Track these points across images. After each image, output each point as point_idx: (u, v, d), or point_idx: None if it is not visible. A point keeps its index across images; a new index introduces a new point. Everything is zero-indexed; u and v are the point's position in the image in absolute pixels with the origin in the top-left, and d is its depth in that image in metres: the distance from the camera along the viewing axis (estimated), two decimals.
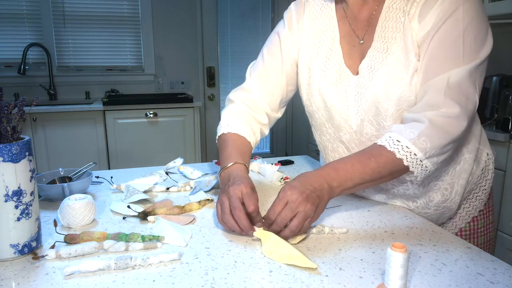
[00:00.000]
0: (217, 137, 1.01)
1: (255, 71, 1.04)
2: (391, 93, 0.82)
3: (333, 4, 0.94)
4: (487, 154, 0.96)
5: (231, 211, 0.76)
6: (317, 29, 0.95)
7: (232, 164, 0.88)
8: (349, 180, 0.76)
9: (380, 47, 0.84)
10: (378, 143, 0.79)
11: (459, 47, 0.76)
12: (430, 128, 0.75)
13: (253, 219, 0.76)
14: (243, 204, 0.76)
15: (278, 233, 0.74)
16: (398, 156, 0.76)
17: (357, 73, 0.88)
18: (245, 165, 0.90)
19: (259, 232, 0.73)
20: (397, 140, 0.76)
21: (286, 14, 1.01)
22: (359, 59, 0.89)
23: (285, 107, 1.09)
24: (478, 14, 0.76)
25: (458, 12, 0.75)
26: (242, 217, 0.75)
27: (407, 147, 0.75)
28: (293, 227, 0.72)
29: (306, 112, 1.04)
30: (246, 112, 1.02)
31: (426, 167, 0.77)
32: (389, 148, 0.76)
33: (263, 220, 0.77)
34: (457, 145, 0.80)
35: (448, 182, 0.90)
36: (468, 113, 0.77)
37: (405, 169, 0.77)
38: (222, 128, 0.99)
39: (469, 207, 0.97)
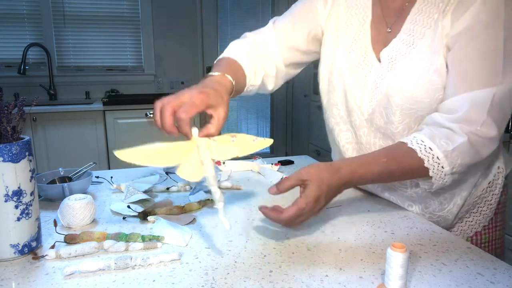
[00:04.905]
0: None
1: (280, 20, 0.97)
2: (405, 90, 0.79)
3: None
4: (498, 167, 0.91)
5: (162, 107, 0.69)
6: (350, 6, 0.91)
7: (217, 74, 0.78)
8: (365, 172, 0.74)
9: (406, 39, 0.81)
10: (408, 145, 0.75)
11: (499, 60, 0.72)
12: (467, 145, 0.72)
13: (181, 128, 0.68)
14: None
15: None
16: (425, 164, 0.73)
17: (380, 61, 0.85)
18: (230, 79, 0.79)
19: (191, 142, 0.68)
20: (429, 148, 0.73)
21: None
22: (382, 47, 0.85)
23: (299, 70, 1.03)
24: None
25: (499, 20, 0.72)
26: (167, 115, 0.68)
27: (438, 158, 0.73)
28: (280, 222, 0.70)
29: (319, 91, 0.98)
30: (254, 51, 0.93)
31: (446, 182, 0.75)
32: (419, 154, 0.73)
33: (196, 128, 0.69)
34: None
35: (448, 191, 0.86)
36: (500, 135, 0.74)
37: (425, 175, 0.75)
38: (221, 55, 0.91)
39: (472, 221, 0.93)
